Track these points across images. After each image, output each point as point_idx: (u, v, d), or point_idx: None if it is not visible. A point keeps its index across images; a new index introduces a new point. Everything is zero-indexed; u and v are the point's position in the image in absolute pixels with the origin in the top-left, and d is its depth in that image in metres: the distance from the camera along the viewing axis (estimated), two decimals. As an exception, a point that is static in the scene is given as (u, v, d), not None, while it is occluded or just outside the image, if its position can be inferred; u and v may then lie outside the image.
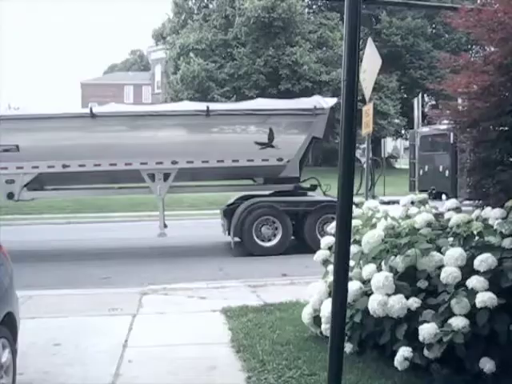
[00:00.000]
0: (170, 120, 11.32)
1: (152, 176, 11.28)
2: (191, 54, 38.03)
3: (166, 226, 11.58)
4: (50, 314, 6.43)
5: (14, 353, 3.97)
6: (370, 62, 9.05)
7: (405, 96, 41.68)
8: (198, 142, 11.10)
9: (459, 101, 5.89)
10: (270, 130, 11.20)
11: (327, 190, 12.09)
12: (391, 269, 4.50)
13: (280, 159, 11.31)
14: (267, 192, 12.01)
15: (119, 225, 16.73)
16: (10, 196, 11.23)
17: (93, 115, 10.98)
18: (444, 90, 5.65)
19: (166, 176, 11.27)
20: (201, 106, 11.78)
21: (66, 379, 4.45)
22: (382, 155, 27.56)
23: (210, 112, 11.08)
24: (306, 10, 42.26)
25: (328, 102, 11.80)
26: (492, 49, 5.49)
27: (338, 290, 2.86)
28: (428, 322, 4.06)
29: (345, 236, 2.79)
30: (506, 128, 4.98)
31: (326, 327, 4.75)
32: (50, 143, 10.89)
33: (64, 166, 10.98)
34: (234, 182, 12.56)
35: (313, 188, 12.20)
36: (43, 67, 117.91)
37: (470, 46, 37.74)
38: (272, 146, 11.22)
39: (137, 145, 11.05)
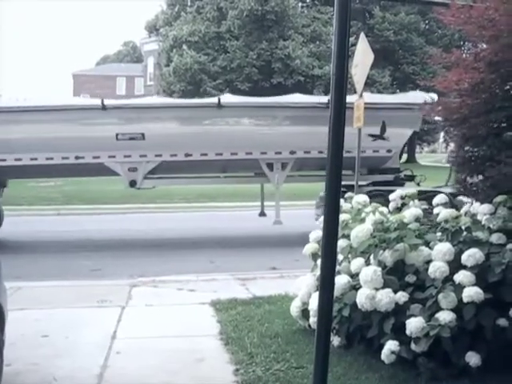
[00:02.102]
0: (291, 111, 11.66)
1: (270, 165, 11.66)
2: (184, 47, 37.86)
3: (265, 214, 12.33)
4: (39, 305, 6.42)
5: (0, 344, 3.96)
6: (363, 56, 9.05)
7: (397, 91, 41.72)
8: (315, 134, 11.02)
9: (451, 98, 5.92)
10: (383, 122, 11.73)
11: (422, 180, 12.44)
12: (380, 263, 4.52)
13: (389, 150, 12.01)
14: (365, 182, 12.20)
15: (109, 217, 16.69)
16: (133, 184, 11.56)
17: (220, 105, 11.23)
18: (436, 86, 5.66)
19: (284, 166, 11.68)
20: (322, 99, 11.99)
21: (54, 370, 4.45)
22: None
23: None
24: (300, 3, 42.13)
25: (431, 97, 12.24)
26: (483, 46, 5.51)
27: (325, 283, 2.87)
28: (415, 316, 4.09)
29: (332, 230, 2.80)
30: (496, 124, 5.01)
31: (314, 320, 4.76)
32: (176, 132, 11.29)
33: (186, 155, 11.28)
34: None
35: (410, 178, 12.58)
36: (35, 57, 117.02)
37: (462, 43, 37.77)
38: (383, 138, 11.78)
39: (259, 135, 11.50)
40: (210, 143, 11.24)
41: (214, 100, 11.77)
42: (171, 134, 11.23)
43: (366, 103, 11.68)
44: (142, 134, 11.14)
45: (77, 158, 11.14)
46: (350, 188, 11.44)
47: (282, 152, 11.54)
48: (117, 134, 11.17)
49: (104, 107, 11.17)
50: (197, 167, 11.95)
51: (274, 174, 11.64)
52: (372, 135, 11.54)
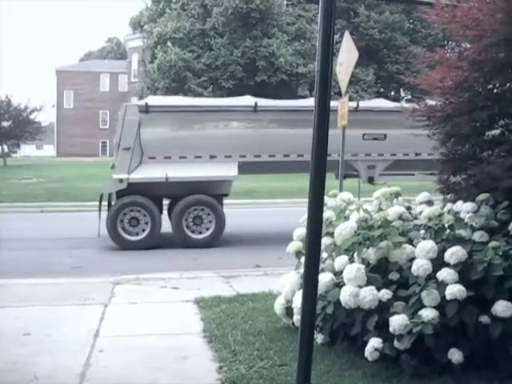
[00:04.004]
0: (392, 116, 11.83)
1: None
2: (169, 43, 37.74)
3: None
4: (20, 303, 6.35)
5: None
6: (347, 55, 9.07)
7: (381, 90, 41.97)
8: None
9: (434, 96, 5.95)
10: None
11: None
12: (363, 261, 4.53)
13: None
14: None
15: (92, 214, 16.58)
16: (370, 180, 12.30)
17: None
18: (420, 85, 5.68)
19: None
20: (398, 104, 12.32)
21: (35, 369, 4.39)
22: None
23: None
24: (285, 1, 42.17)
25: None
26: (466, 45, 5.55)
27: (309, 281, 2.87)
28: (398, 313, 4.11)
29: (316, 227, 2.79)
30: (478, 123, 5.04)
31: (297, 318, 4.76)
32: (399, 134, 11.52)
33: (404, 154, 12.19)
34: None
35: None
36: (18, 53, 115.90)
37: (446, 42, 38.11)
38: None
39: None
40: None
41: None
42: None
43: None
44: (384, 135, 11.90)
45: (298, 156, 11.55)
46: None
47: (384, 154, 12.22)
48: (363, 134, 11.83)
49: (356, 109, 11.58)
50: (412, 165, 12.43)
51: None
52: None
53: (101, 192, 11.61)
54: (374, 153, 12.22)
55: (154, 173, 10.83)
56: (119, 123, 11.24)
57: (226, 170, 11.30)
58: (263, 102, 12.01)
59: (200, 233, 11.27)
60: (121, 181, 10.83)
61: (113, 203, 11.25)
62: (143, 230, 11.04)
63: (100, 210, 11.44)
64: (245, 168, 11.62)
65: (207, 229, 11.29)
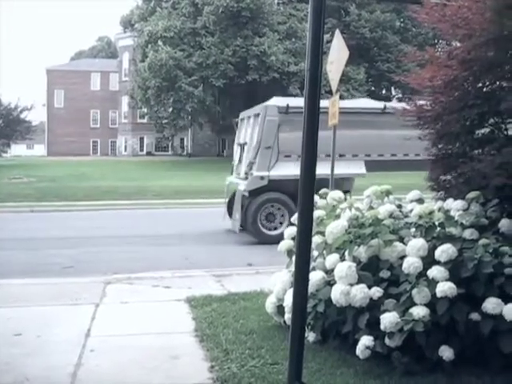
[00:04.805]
0: None
1: None
2: (159, 42, 37.63)
3: None
4: (11, 303, 6.32)
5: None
6: (338, 53, 9.07)
7: (372, 88, 42.07)
8: None
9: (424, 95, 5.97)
10: None
11: None
12: (354, 259, 4.55)
13: None
14: None
15: (83, 213, 16.54)
16: None
17: None
18: (410, 84, 5.70)
19: None
20: None
21: (26, 370, 4.38)
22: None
23: None
24: (276, 0, 42.15)
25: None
26: (456, 44, 5.57)
27: (300, 279, 2.88)
28: (389, 311, 4.12)
29: (307, 226, 2.80)
30: (468, 122, 5.06)
31: (289, 316, 4.76)
32: None
33: None
34: None
35: None
36: (8, 52, 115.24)
37: (436, 41, 38.24)
38: None
39: None
40: None
41: None
42: None
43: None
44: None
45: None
46: None
47: None
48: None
49: None
50: None
51: None
52: None
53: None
54: None
55: (291, 170, 11.25)
56: (259, 123, 11.67)
57: (356, 168, 11.96)
58: (390, 105, 12.47)
59: None
60: (262, 178, 11.48)
61: (246, 200, 11.73)
62: (280, 224, 11.56)
63: (232, 208, 11.98)
64: (368, 166, 12.15)
65: None
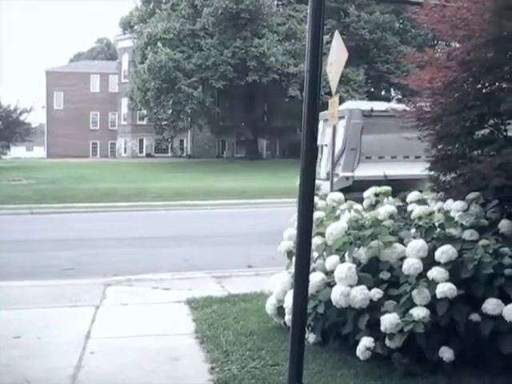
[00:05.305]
0: None
1: None
2: (159, 44, 37.65)
3: None
4: (11, 305, 6.31)
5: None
6: (337, 55, 9.10)
7: (372, 90, 42.09)
8: None
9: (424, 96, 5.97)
10: None
11: None
12: (354, 260, 4.55)
13: None
14: None
15: (82, 215, 16.53)
16: None
17: None
18: (409, 85, 5.71)
19: None
20: None
21: (27, 372, 4.38)
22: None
23: None
24: (275, 1, 42.18)
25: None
26: (455, 45, 5.58)
27: (300, 280, 2.88)
28: (390, 312, 4.12)
29: (307, 227, 2.80)
30: (468, 123, 5.06)
31: (289, 318, 4.76)
32: None
33: None
34: None
35: None
36: (7, 54, 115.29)
37: (435, 42, 38.24)
38: None
39: None
40: None
41: None
42: None
43: None
44: None
45: None
46: None
47: None
48: None
49: None
50: None
51: None
52: None
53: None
54: None
55: (373, 171, 11.66)
56: (345, 126, 12.00)
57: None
58: None
59: None
60: (347, 178, 11.88)
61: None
62: None
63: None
64: None
65: None
